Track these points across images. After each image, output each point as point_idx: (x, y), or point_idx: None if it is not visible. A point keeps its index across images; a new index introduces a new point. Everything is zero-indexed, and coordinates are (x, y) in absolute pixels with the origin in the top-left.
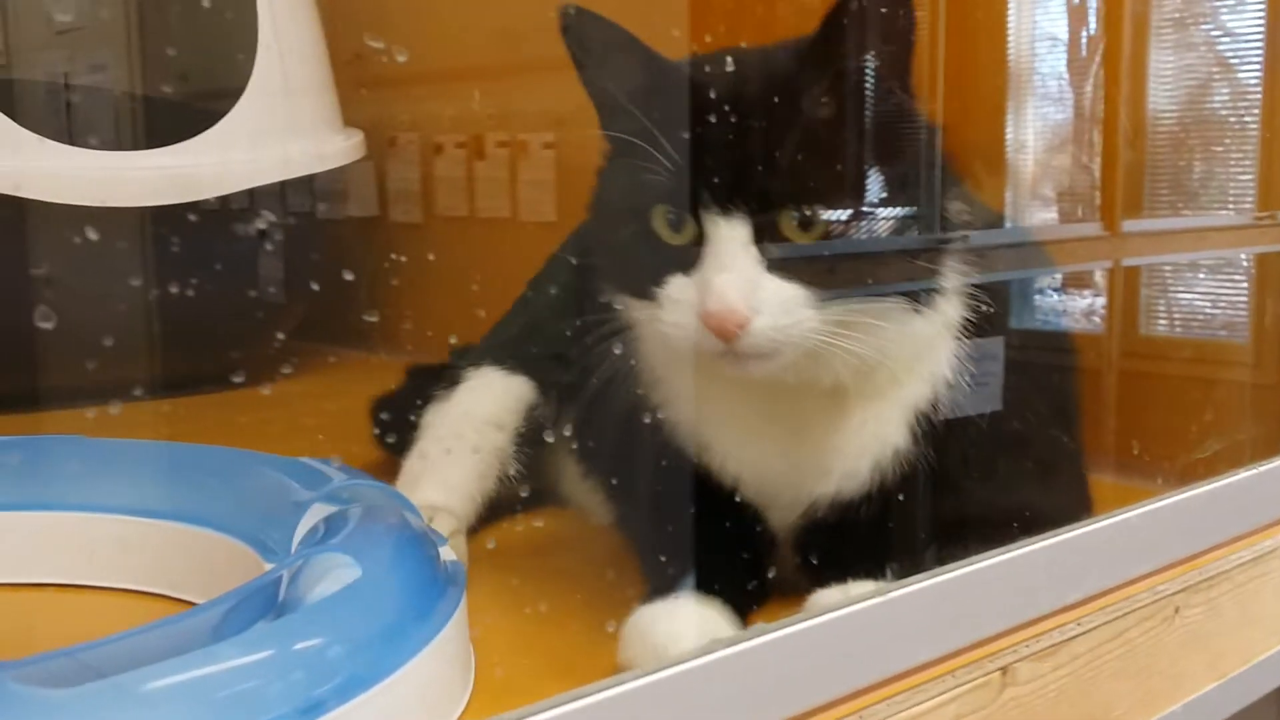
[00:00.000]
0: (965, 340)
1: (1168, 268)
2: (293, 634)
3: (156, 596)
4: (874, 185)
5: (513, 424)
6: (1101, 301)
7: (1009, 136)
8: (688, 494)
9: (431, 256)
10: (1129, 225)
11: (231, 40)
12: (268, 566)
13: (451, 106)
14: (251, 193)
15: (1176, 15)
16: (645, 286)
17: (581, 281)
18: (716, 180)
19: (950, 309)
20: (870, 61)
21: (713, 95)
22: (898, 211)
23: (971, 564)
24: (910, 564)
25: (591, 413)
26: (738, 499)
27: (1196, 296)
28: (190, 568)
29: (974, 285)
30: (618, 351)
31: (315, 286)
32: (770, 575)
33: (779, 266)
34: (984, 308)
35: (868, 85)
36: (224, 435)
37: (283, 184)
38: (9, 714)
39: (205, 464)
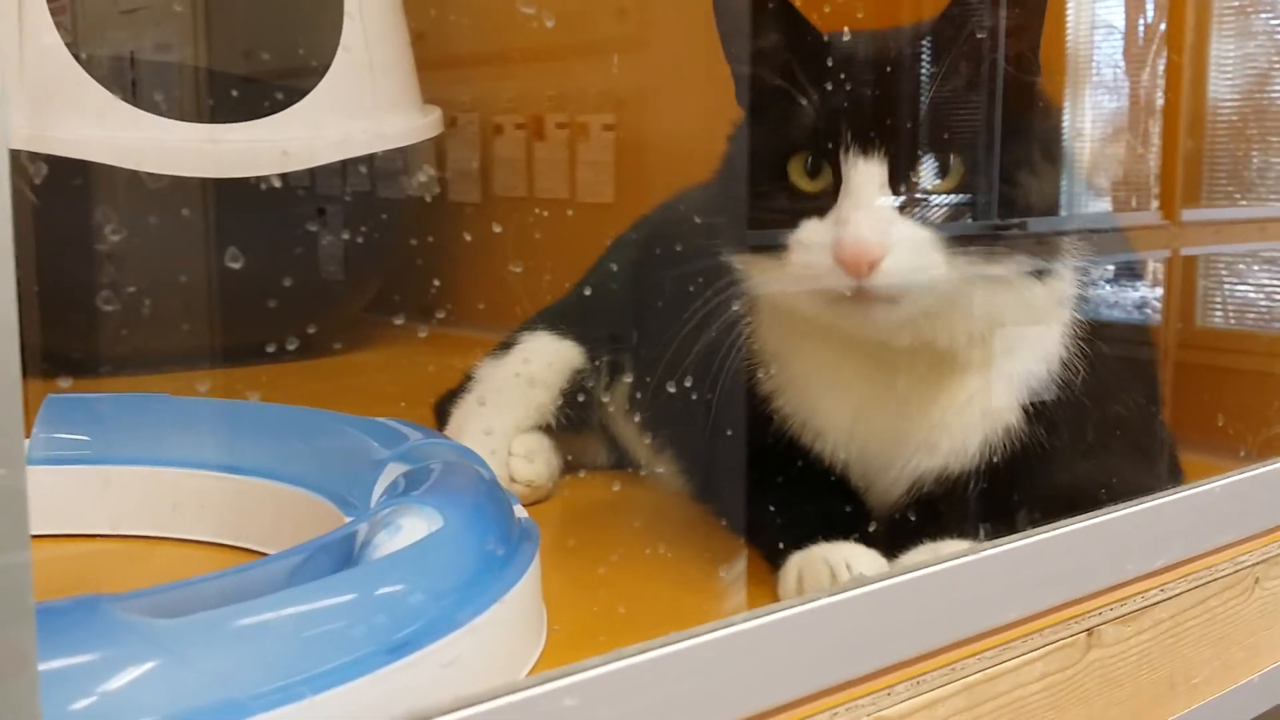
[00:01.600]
0: (1080, 319)
1: (1223, 260)
2: (376, 579)
3: (238, 549)
4: (1006, 148)
5: (557, 384)
6: (1156, 293)
7: (1066, 124)
8: (786, 466)
9: (498, 229)
10: (1188, 215)
11: (315, 17)
12: (347, 520)
13: (511, 87)
14: (312, 171)
15: (1238, 3)
16: (775, 237)
17: (687, 249)
18: (857, 123)
19: (1065, 286)
20: (1002, 24)
21: (857, 52)
22: (1025, 177)
23: (1061, 527)
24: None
25: (681, 382)
26: (838, 472)
27: (1252, 289)
28: (271, 522)
29: (1083, 266)
30: (722, 320)
31: (386, 262)
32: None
33: (911, 212)
34: (1093, 289)
35: (1003, 50)
36: (304, 399)
37: (344, 163)
38: (117, 640)
39: (287, 422)
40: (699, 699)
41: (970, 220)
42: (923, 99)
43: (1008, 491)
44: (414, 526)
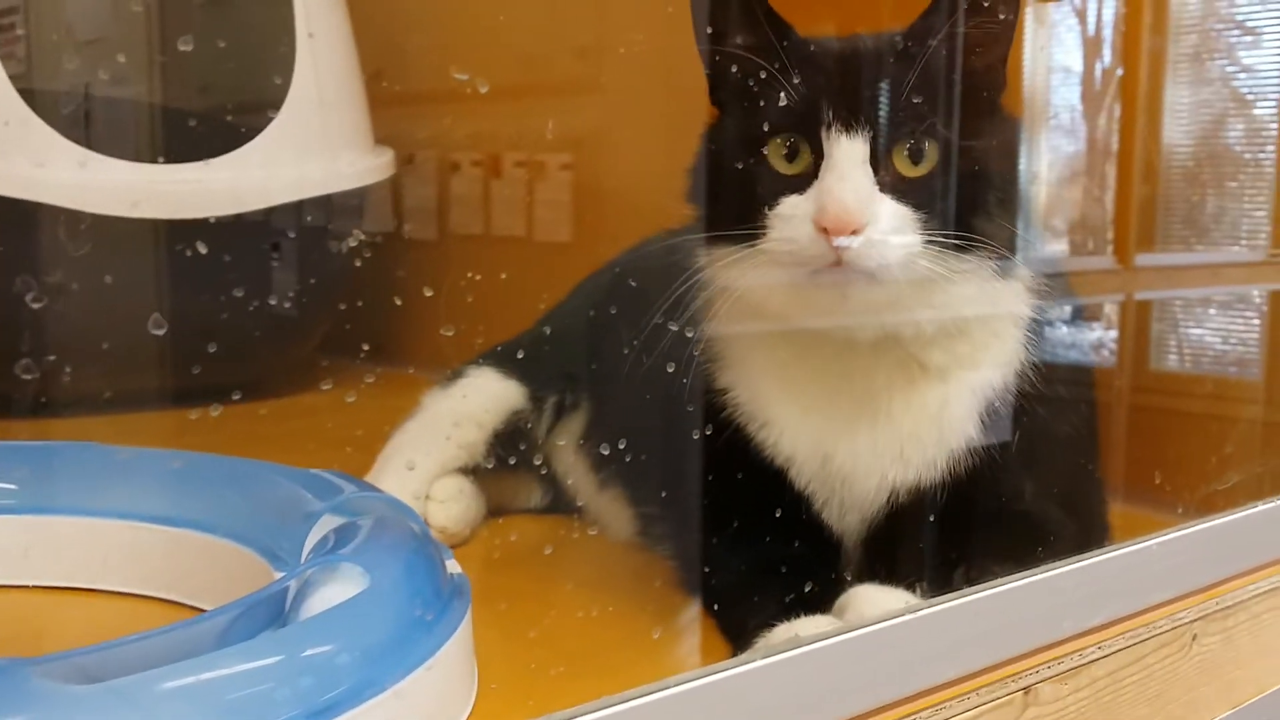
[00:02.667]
0: (1032, 336)
1: (1178, 303)
2: (302, 640)
3: (168, 603)
4: (977, 142)
5: (492, 424)
6: (1111, 335)
7: (1022, 167)
8: (748, 493)
9: (449, 274)
10: (1142, 259)
11: (267, 56)
12: (277, 575)
13: (469, 126)
14: (269, 209)
15: (1193, 50)
16: (753, 218)
17: (650, 292)
18: (840, 101)
19: (1019, 299)
20: (980, 32)
21: (836, 44)
22: (991, 173)
23: (998, 585)
24: (969, 567)
25: (631, 420)
26: (805, 497)
27: (1207, 332)
28: (201, 575)
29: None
30: (683, 343)
31: (336, 303)
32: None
33: (889, 190)
34: (1047, 326)
35: (978, 52)
36: (246, 446)
37: (300, 202)
38: (32, 708)
39: (218, 473)
40: None
41: (942, 208)
42: (902, 85)
43: (970, 508)
44: (342, 585)
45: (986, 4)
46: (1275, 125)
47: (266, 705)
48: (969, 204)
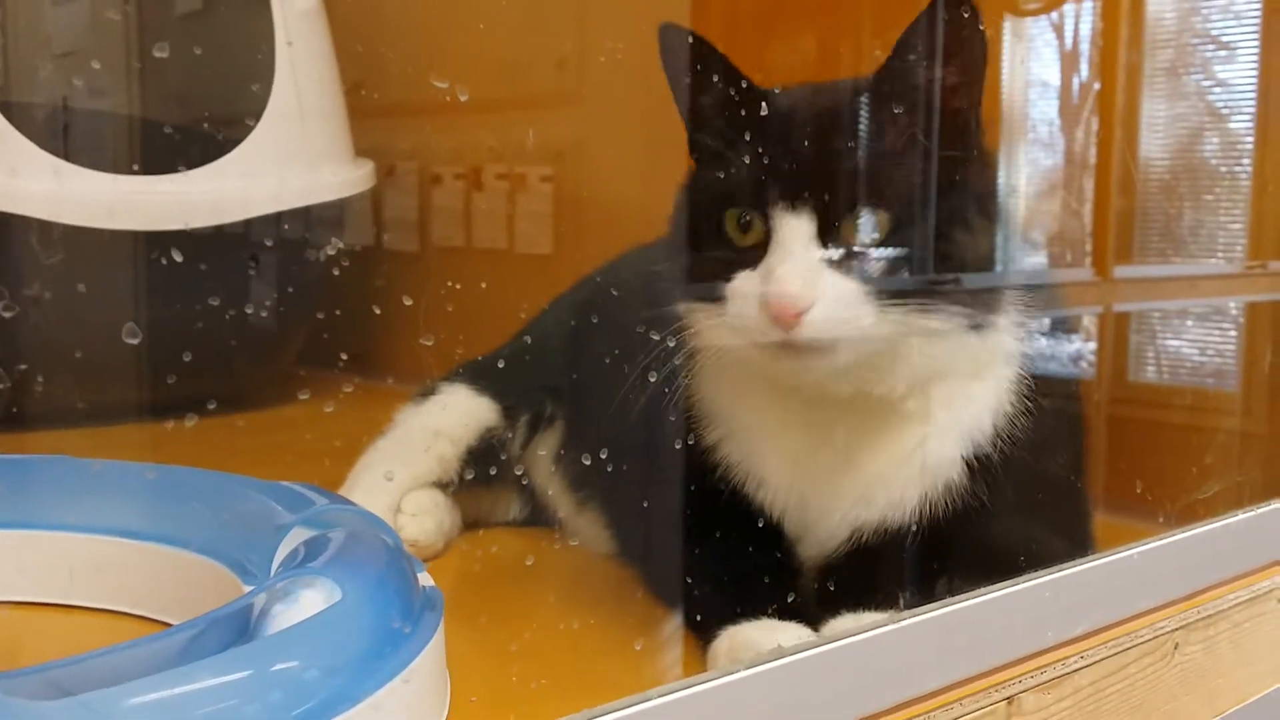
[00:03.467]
0: (1024, 374)
1: (1156, 315)
2: (271, 655)
3: (135, 617)
4: (941, 203)
5: (465, 440)
6: (1090, 347)
7: (1002, 180)
8: (722, 518)
9: (429, 286)
10: (1120, 271)
11: (246, 68)
12: (247, 589)
13: (450, 138)
14: (247, 220)
15: (1169, 64)
16: (714, 286)
17: (630, 306)
18: (786, 178)
19: (1007, 340)
20: (941, 81)
21: (791, 107)
22: (960, 233)
23: (979, 595)
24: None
25: (610, 439)
26: (774, 525)
27: (1184, 344)
28: (169, 589)
29: (1024, 321)
30: (663, 372)
31: (315, 314)
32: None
33: (840, 265)
34: (1031, 343)
35: (938, 105)
36: (223, 459)
37: (279, 213)
38: None
39: (187, 486)
40: None
41: (903, 274)
42: (853, 155)
43: (946, 548)
44: (311, 599)
45: (948, 59)
46: (1250, 139)
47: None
48: (942, 259)
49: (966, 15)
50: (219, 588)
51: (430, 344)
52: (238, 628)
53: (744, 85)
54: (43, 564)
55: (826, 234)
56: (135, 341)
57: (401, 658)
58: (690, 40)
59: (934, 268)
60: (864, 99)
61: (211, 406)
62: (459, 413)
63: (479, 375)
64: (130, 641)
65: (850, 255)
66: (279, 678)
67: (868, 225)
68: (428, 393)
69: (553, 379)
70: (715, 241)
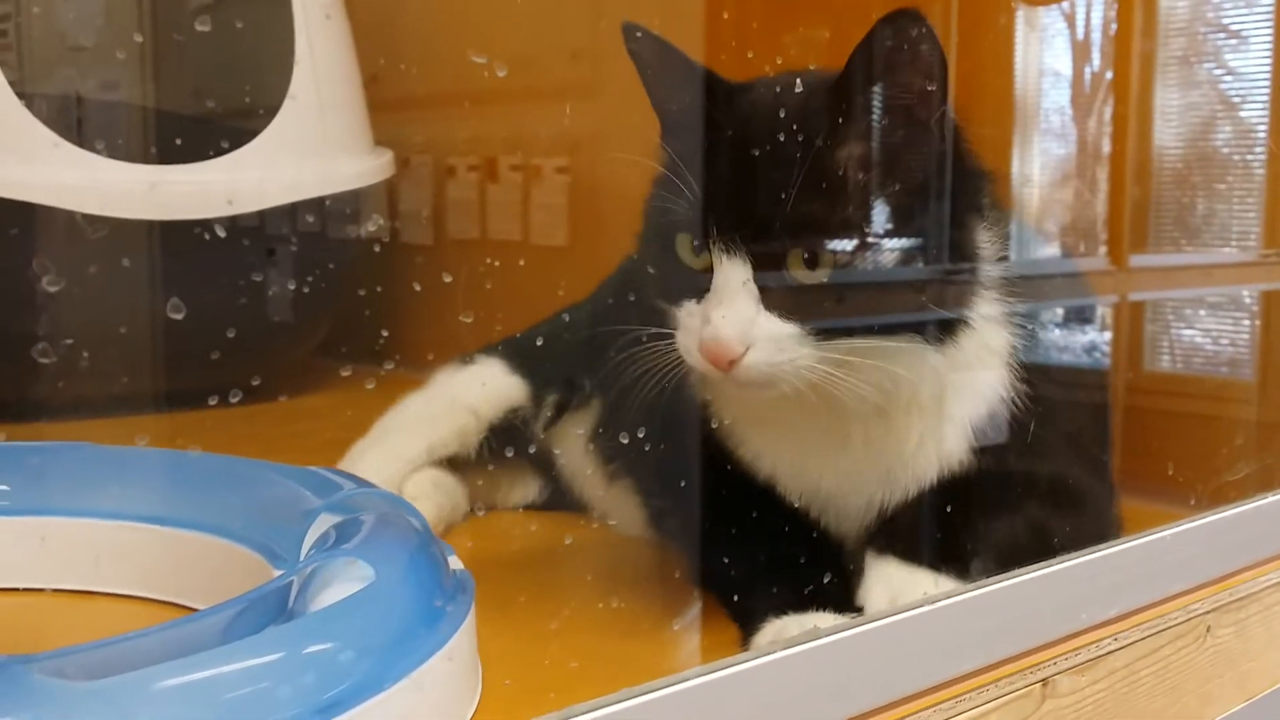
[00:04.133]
0: (1017, 366)
1: (1169, 305)
2: (305, 637)
3: (162, 603)
4: (886, 224)
5: (489, 416)
6: (1104, 337)
7: (1015, 171)
8: (751, 506)
9: (447, 278)
10: (1136, 260)
11: (265, 58)
12: (276, 573)
13: (465, 129)
14: (261, 214)
15: (1181, 54)
16: (676, 303)
17: (636, 290)
18: (723, 219)
19: (995, 337)
20: (895, 99)
21: (730, 132)
22: (904, 245)
23: (1015, 577)
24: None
25: (636, 420)
26: (802, 510)
27: (1198, 333)
28: (198, 575)
29: (1019, 313)
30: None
31: (335, 305)
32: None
33: (777, 304)
34: (1031, 335)
35: (888, 124)
36: (245, 448)
37: (299, 203)
38: (34, 705)
39: (213, 472)
40: None
41: (845, 304)
42: (794, 191)
43: (966, 515)
44: (345, 581)
45: (897, 68)
46: (1264, 127)
47: (268, 703)
48: (891, 275)
49: (917, 32)
50: (247, 573)
51: (469, 321)
52: (274, 609)
53: (703, 92)
54: (67, 551)
55: (765, 270)
56: (179, 316)
57: (435, 639)
58: (643, 37)
59: (882, 291)
60: (808, 122)
61: (234, 398)
62: (489, 388)
63: (515, 353)
64: (166, 623)
65: (787, 292)
66: (312, 660)
67: (809, 262)
68: (466, 361)
69: (587, 361)
70: (671, 259)
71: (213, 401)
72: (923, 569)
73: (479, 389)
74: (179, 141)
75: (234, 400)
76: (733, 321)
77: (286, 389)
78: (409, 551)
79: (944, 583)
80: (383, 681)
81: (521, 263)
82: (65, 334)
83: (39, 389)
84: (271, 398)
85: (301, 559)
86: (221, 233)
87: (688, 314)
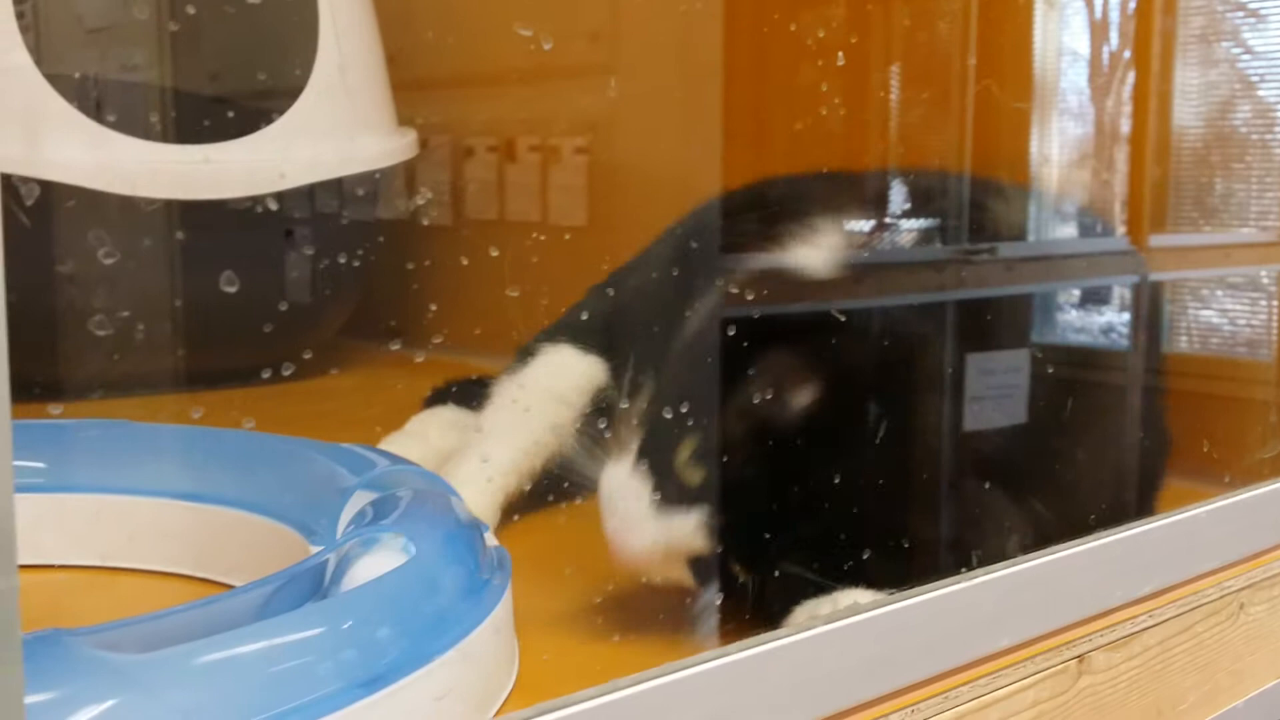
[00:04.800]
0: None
1: (1187, 286)
2: (345, 612)
3: (199, 580)
4: None
5: (579, 402)
6: (1123, 318)
7: (1034, 151)
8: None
9: (464, 260)
10: (1155, 240)
11: (287, 38)
12: (313, 549)
13: (483, 110)
14: (284, 193)
15: (1200, 32)
16: None
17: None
18: None
19: None
20: None
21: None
22: None
23: (1049, 554)
24: None
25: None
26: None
27: (1215, 314)
28: (233, 551)
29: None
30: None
31: (362, 285)
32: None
33: None
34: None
35: None
36: (278, 423)
37: (313, 186)
38: (79, 675)
39: (249, 449)
40: None
41: None
42: None
43: None
44: (384, 556)
45: None
46: None
47: (311, 678)
48: None
49: None
50: (284, 549)
51: (516, 295)
52: (311, 585)
53: None
54: (103, 528)
55: None
56: (233, 290)
57: (478, 612)
58: None
59: None
60: None
61: (264, 376)
62: (568, 371)
63: (580, 332)
64: (206, 599)
65: None
66: (353, 635)
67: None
68: (526, 355)
69: (650, 331)
70: None
71: (240, 382)
72: None
73: (559, 377)
74: (201, 122)
75: (264, 375)
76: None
77: (315, 367)
78: (447, 527)
79: None
80: (426, 656)
81: (567, 236)
82: (92, 312)
83: (75, 368)
84: (299, 377)
85: (338, 536)
86: (246, 211)
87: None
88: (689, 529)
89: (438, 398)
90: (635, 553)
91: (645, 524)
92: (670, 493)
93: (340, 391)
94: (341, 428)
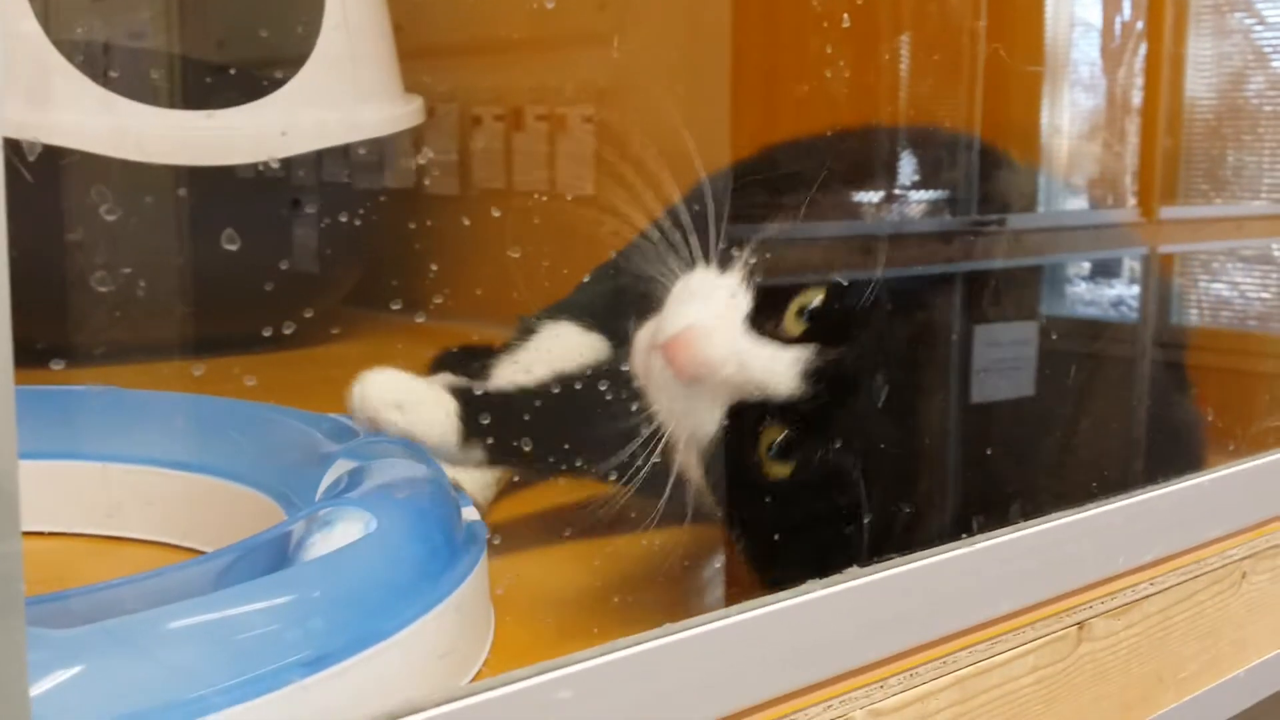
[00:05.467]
0: None
1: (1197, 259)
2: (310, 581)
3: (181, 549)
4: None
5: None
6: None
7: (1045, 122)
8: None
9: (468, 223)
10: (1166, 212)
11: (293, 4)
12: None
13: (490, 79)
14: (289, 160)
15: (1213, 2)
16: None
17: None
18: None
19: None
20: None
21: None
22: None
23: (1050, 520)
24: None
25: None
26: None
27: (1225, 287)
28: (217, 520)
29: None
30: None
31: (365, 253)
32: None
33: None
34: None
35: None
36: (279, 391)
37: (319, 153)
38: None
39: (233, 417)
40: (696, 690)
41: None
42: None
43: None
44: (347, 528)
45: None
46: None
47: (274, 647)
48: None
49: None
50: (265, 518)
51: (517, 256)
52: (275, 555)
53: None
54: (90, 496)
55: None
56: (235, 248)
57: (442, 588)
58: None
59: None
60: None
61: (261, 345)
62: (573, 348)
63: (581, 311)
64: (166, 567)
65: None
66: (319, 604)
67: None
68: (525, 332)
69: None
70: None
71: (239, 349)
72: None
73: (561, 350)
74: (207, 89)
75: (267, 341)
76: None
77: (317, 334)
78: (416, 500)
79: None
80: (383, 631)
81: (570, 196)
82: (93, 278)
83: (65, 333)
84: (301, 344)
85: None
86: (250, 178)
87: None
88: (786, 366)
89: (442, 363)
90: (706, 359)
91: (732, 334)
92: (768, 325)
93: (346, 359)
94: (337, 395)
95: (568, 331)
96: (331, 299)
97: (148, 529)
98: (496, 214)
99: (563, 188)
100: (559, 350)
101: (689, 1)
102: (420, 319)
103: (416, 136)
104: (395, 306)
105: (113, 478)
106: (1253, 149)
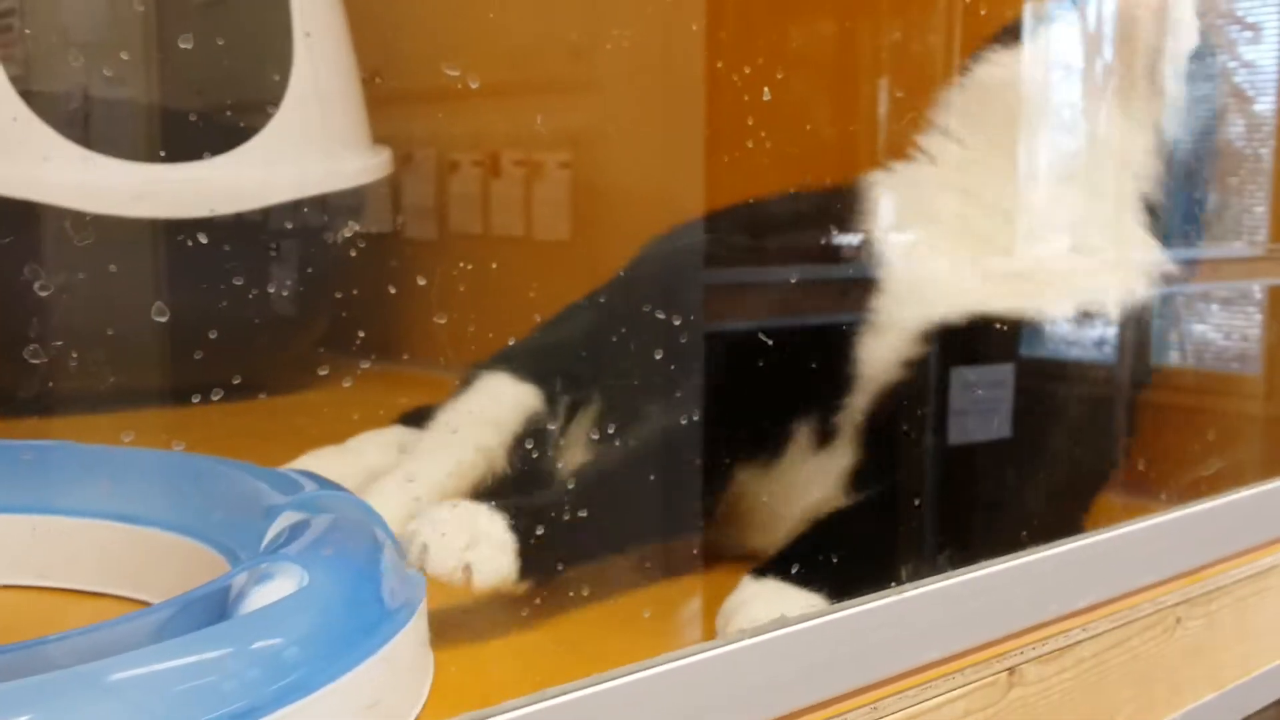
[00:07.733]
0: None
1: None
2: (247, 634)
3: (129, 600)
4: None
5: (511, 426)
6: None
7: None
8: None
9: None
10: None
11: (262, 55)
12: None
13: (467, 125)
14: (269, 207)
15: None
16: None
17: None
18: None
19: None
20: None
21: None
22: None
23: (983, 568)
24: None
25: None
26: None
27: (1206, 329)
28: (166, 573)
29: None
30: None
31: (335, 300)
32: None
33: None
34: None
35: None
36: (243, 441)
37: (298, 200)
38: None
39: (182, 470)
40: None
41: None
42: None
43: None
44: (282, 583)
45: None
46: (1274, 120)
47: (213, 697)
48: None
49: None
50: (211, 572)
51: (444, 322)
52: (214, 609)
53: None
54: (40, 548)
55: None
56: (163, 320)
57: (372, 641)
58: None
59: None
60: None
61: (228, 393)
62: (501, 398)
63: (517, 360)
64: (107, 621)
65: None
66: (221, 667)
67: None
68: (465, 385)
69: (593, 361)
70: None
71: (206, 397)
72: None
73: (489, 401)
74: (175, 140)
75: (235, 390)
76: None
77: (281, 385)
78: (350, 554)
79: None
80: (311, 684)
81: (525, 252)
82: (62, 327)
83: (34, 385)
84: (270, 392)
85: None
86: (219, 228)
87: None
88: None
89: (410, 420)
90: None
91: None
92: None
93: (310, 407)
94: (308, 444)
95: (498, 385)
96: (300, 346)
97: (100, 582)
98: (467, 266)
99: (538, 232)
100: (480, 408)
101: (663, 52)
102: (394, 365)
103: (394, 185)
104: (367, 361)
105: (69, 531)
106: (1234, 190)
